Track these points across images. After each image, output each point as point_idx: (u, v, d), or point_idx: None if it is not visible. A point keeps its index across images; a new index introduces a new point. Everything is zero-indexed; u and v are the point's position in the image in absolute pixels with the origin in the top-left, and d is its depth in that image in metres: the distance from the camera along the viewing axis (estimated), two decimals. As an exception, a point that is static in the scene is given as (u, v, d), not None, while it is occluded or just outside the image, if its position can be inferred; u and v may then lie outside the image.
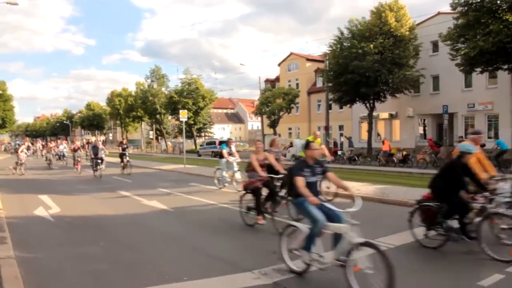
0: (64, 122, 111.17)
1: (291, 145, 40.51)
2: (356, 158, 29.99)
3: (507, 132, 30.29)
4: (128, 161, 23.52)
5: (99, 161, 22.48)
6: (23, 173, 23.74)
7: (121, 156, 24.11)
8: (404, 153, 27.91)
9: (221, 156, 16.62)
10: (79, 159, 25.69)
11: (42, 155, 29.04)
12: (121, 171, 23.79)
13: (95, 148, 23.28)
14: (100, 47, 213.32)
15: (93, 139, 46.57)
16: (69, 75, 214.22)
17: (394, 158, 27.54)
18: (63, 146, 35.20)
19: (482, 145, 21.58)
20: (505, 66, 25.74)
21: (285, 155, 38.92)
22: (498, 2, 24.42)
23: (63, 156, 33.57)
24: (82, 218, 10.96)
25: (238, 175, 15.83)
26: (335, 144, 33.95)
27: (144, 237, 8.83)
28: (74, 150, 27.33)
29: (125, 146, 24.44)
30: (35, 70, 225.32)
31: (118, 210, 11.89)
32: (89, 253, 7.56)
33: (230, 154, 16.64)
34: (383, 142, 29.90)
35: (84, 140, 55.20)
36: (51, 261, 7.08)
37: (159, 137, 75.12)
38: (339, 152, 31.87)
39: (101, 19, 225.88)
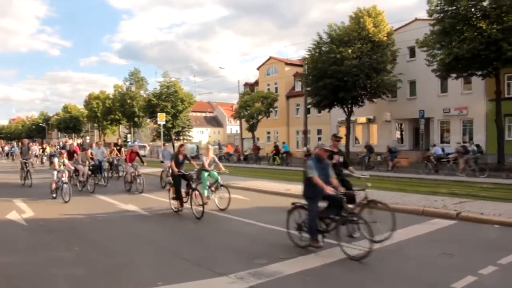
0: (40, 124, 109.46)
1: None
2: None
3: (482, 136, 30.85)
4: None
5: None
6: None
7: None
8: (246, 153, 42.18)
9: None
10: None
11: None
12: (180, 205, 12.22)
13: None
14: (77, 49, 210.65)
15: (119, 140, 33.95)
16: (45, 77, 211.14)
17: (233, 157, 40.66)
18: (102, 151, 19.99)
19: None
20: (479, 72, 26.28)
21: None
22: (473, 10, 24.90)
23: (100, 168, 19.01)
24: (56, 222, 10.79)
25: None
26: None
27: (120, 241, 8.78)
28: (131, 160, 17.28)
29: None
30: (9, 71, 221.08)
31: (94, 214, 11.71)
32: (63, 258, 7.48)
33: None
34: (226, 146, 42.43)
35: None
36: (23, 266, 6.96)
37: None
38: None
39: (77, 20, 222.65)
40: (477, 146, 24.89)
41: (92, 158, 18.35)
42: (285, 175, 23.34)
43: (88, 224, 10.60)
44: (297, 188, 16.05)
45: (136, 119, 65.53)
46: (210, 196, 12.65)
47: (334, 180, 7.70)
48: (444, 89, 34.41)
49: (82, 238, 8.97)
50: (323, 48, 34.25)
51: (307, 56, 35.98)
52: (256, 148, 41.35)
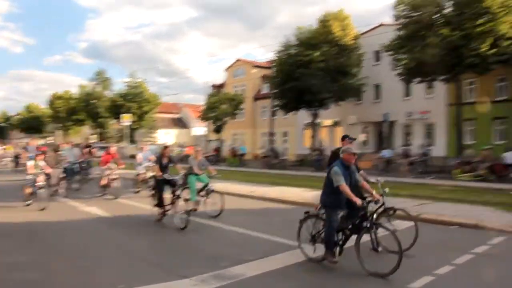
0: (1, 124, 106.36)
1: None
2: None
3: (443, 140, 31.63)
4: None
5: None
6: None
7: None
8: (206, 155, 40.86)
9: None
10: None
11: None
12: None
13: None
14: (41, 47, 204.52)
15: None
16: (7, 75, 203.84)
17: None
18: (73, 152, 18.81)
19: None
20: (441, 77, 26.97)
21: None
22: (436, 16, 25.58)
23: (72, 171, 17.43)
24: (13, 225, 10.44)
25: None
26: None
27: (81, 245, 8.58)
28: (106, 162, 15.91)
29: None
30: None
31: (54, 217, 11.35)
32: (21, 262, 7.24)
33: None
34: (186, 148, 42.79)
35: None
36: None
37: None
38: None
39: (42, 17, 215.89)
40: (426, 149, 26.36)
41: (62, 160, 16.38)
42: (247, 177, 23.70)
43: (47, 227, 10.29)
44: (260, 190, 16.18)
45: (100, 119, 64.49)
46: (199, 203, 11.58)
47: (366, 184, 6.99)
48: (407, 93, 35.08)
49: (41, 241, 8.77)
50: (291, 51, 34.50)
51: (275, 58, 36.17)
52: (216, 150, 43.48)
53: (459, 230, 9.42)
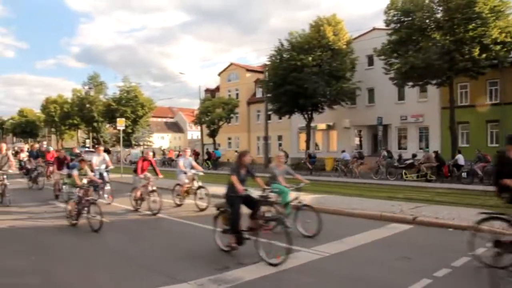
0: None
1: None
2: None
3: (437, 143, 31.82)
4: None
5: None
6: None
7: None
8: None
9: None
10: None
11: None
12: None
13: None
14: (33, 51, 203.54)
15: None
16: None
17: (176, 162, 39.46)
18: (102, 158, 15.81)
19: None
20: (434, 81, 27.16)
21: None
22: (427, 21, 25.79)
23: (102, 181, 14.75)
24: (9, 230, 10.37)
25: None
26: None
27: (78, 249, 8.56)
28: (143, 170, 13.17)
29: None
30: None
31: (51, 222, 11.29)
32: (18, 267, 7.21)
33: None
34: (169, 152, 46.66)
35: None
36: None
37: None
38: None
39: (34, 21, 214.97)
40: (388, 151, 27.97)
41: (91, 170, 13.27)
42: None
43: (44, 232, 10.22)
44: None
45: (95, 124, 64.40)
46: (289, 215, 9.17)
47: None
48: (401, 97, 35.33)
49: (38, 247, 8.72)
50: (284, 55, 34.63)
51: (268, 62, 36.30)
52: (195, 154, 43.63)
53: (456, 232, 9.44)
